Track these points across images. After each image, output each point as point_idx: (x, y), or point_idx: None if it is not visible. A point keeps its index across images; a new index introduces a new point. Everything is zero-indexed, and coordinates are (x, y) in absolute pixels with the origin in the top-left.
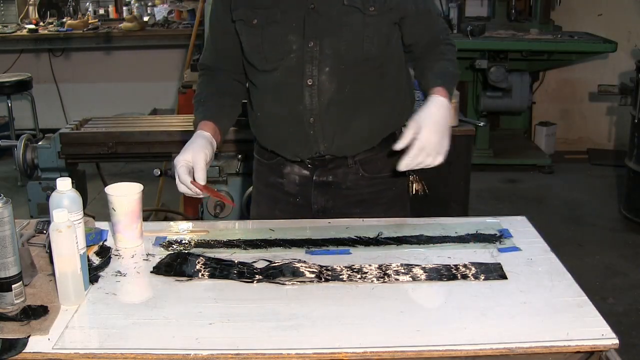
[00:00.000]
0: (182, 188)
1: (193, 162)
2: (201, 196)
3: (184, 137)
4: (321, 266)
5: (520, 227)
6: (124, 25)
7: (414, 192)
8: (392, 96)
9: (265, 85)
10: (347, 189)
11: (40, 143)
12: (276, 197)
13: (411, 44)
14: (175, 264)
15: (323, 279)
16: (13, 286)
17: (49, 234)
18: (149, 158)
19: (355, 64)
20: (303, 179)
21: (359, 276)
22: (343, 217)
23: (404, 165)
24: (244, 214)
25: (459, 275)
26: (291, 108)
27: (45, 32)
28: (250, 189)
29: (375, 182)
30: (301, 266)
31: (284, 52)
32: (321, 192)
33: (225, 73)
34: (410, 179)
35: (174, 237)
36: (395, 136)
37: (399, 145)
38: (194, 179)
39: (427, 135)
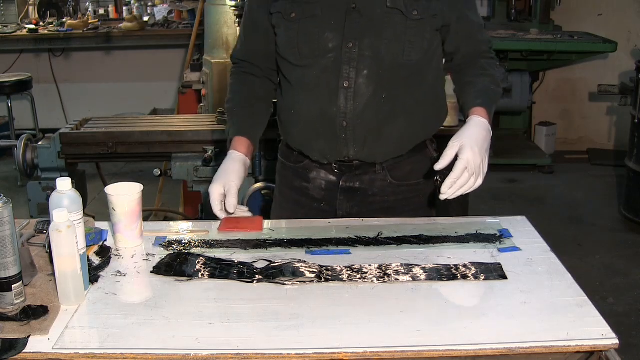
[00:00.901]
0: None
1: (225, 189)
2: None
3: (184, 137)
4: (321, 266)
5: (520, 227)
6: (124, 25)
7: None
8: (428, 105)
9: (299, 82)
10: (373, 196)
11: (40, 143)
12: (300, 202)
13: (452, 52)
14: (175, 264)
15: (323, 279)
16: (13, 286)
17: (49, 234)
18: (149, 158)
19: (395, 69)
20: (329, 184)
21: (359, 276)
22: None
23: (447, 186)
24: None
25: (459, 275)
26: (324, 108)
27: (45, 32)
28: (252, 188)
29: (402, 189)
30: (301, 266)
31: (319, 49)
32: (347, 198)
33: (257, 69)
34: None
35: (174, 237)
36: (426, 145)
37: (440, 165)
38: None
39: (470, 156)
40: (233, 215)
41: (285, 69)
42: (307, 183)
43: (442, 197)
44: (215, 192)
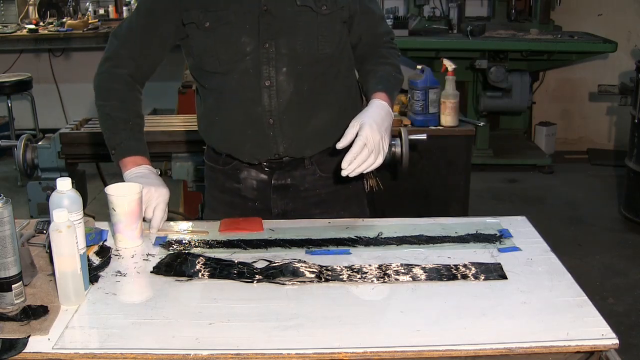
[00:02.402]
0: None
1: (155, 206)
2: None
3: (184, 137)
4: (321, 266)
5: (520, 227)
6: None
7: (368, 189)
8: (345, 95)
9: (221, 88)
10: (305, 191)
11: (40, 143)
12: (233, 203)
13: (355, 44)
14: (175, 264)
15: (323, 279)
16: (13, 286)
17: (49, 234)
18: None
19: (312, 64)
20: (261, 183)
21: (359, 276)
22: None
23: (347, 161)
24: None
25: (459, 275)
26: (249, 110)
27: (45, 32)
28: None
29: (332, 181)
30: (301, 266)
31: (237, 54)
32: (280, 196)
33: (136, 72)
34: (364, 175)
35: (174, 237)
36: None
37: (342, 143)
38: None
39: (369, 133)
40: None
41: (203, 78)
42: (238, 184)
43: (344, 172)
44: (147, 213)
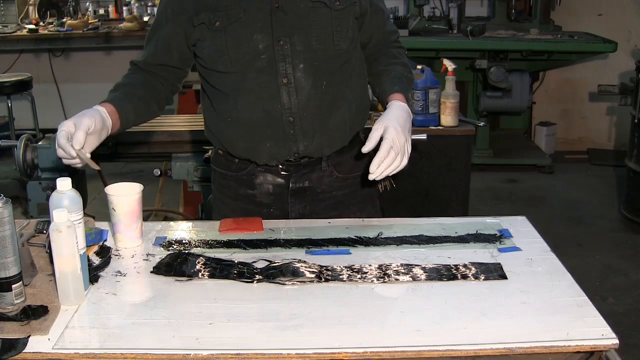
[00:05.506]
0: (59, 152)
1: (76, 127)
2: (78, 163)
3: (184, 137)
4: (321, 266)
5: (520, 227)
6: (124, 25)
7: (382, 189)
8: (359, 94)
9: (236, 88)
10: (322, 193)
11: (40, 143)
12: (248, 210)
13: (365, 43)
14: (175, 264)
15: (323, 279)
16: (13, 286)
17: (49, 234)
18: (149, 158)
19: (328, 59)
20: (278, 188)
21: (359, 276)
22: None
23: (375, 165)
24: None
25: (459, 275)
26: (267, 108)
27: (45, 32)
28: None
29: (348, 182)
30: (301, 266)
31: (250, 52)
32: (298, 200)
33: (160, 78)
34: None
35: (174, 237)
36: (359, 136)
37: (367, 147)
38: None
39: (394, 135)
40: (94, 165)
41: (215, 79)
42: (253, 190)
43: (371, 176)
44: (64, 125)
